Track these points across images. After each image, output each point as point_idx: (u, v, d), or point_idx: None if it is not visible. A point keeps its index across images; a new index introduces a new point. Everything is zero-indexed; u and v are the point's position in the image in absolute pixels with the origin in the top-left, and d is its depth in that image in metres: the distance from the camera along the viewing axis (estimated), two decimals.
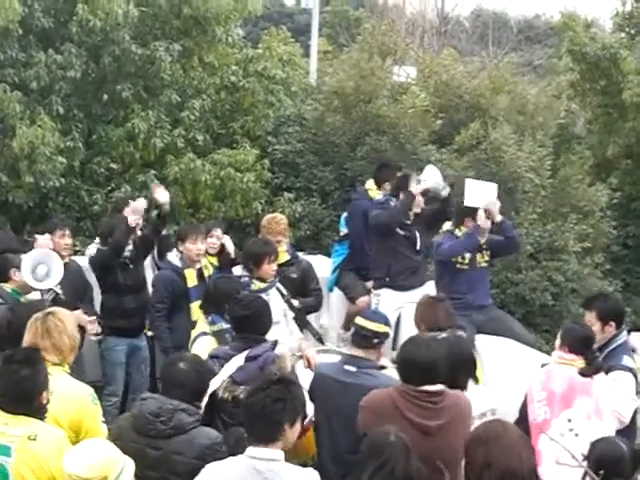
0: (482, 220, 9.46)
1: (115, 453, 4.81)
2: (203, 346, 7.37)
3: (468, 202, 9.63)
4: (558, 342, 6.73)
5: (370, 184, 10.77)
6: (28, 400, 5.19)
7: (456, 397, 5.78)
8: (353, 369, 6.41)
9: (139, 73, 16.06)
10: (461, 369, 6.17)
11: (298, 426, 5.05)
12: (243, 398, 5.14)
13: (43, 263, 8.33)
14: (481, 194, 9.67)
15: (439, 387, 5.69)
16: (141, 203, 9.53)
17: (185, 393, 5.51)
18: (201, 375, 5.66)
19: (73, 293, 9.01)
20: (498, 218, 9.68)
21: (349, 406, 6.16)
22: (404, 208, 9.84)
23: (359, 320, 6.61)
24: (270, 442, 4.86)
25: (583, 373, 6.44)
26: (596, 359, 6.62)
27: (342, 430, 6.21)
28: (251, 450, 4.86)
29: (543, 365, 6.78)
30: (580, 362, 6.51)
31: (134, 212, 9.34)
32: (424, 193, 9.95)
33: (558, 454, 5.90)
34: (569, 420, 6.27)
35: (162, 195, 9.49)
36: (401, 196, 9.95)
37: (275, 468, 4.81)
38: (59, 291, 8.42)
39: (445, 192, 9.98)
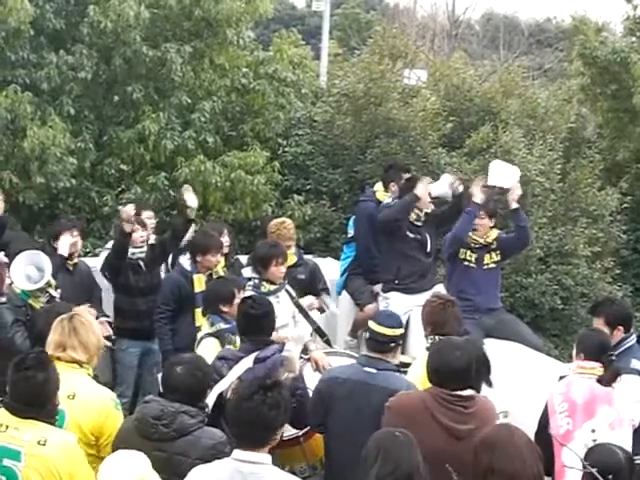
0: (478, 197, 9.49)
1: (151, 470, 4.75)
2: (207, 348, 7.38)
3: (492, 182, 9.67)
4: (574, 352, 6.70)
5: (378, 186, 10.73)
6: (42, 404, 5.18)
7: (484, 402, 5.78)
8: (373, 371, 6.40)
9: (150, 75, 16.10)
10: (478, 372, 6.16)
11: (282, 429, 5.01)
12: (233, 401, 5.02)
13: (31, 264, 8.35)
14: (504, 176, 9.74)
15: (469, 392, 5.69)
16: (128, 208, 9.54)
17: (181, 396, 5.50)
18: (197, 378, 5.61)
19: (81, 293, 9.04)
20: (514, 205, 9.69)
21: (371, 407, 6.16)
22: (405, 206, 9.78)
23: (373, 326, 6.58)
24: (259, 447, 4.81)
25: (602, 381, 6.38)
26: (613, 362, 6.57)
27: (362, 432, 6.18)
28: (237, 453, 4.81)
29: (562, 377, 6.72)
30: (600, 370, 6.44)
31: (123, 218, 9.37)
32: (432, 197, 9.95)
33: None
34: (593, 431, 6.17)
35: (191, 200, 9.55)
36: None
37: (259, 471, 4.75)
38: (55, 294, 8.40)
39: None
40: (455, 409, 5.59)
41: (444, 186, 10.08)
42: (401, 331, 6.68)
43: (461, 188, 10.08)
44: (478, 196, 9.55)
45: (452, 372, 5.66)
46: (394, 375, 6.45)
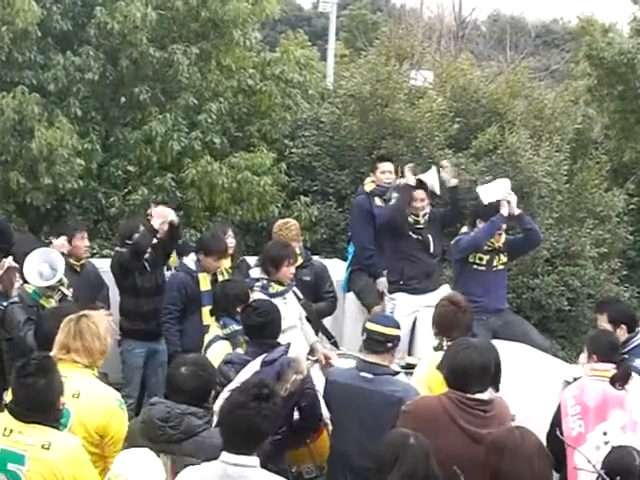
0: (505, 208, 9.53)
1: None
2: (218, 350, 7.39)
3: (486, 200, 9.70)
4: (585, 354, 6.70)
5: (368, 179, 10.87)
6: (44, 410, 5.18)
7: (500, 404, 5.77)
8: (370, 376, 6.43)
9: (157, 76, 16.09)
10: (496, 374, 6.16)
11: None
12: (227, 406, 4.92)
13: (45, 262, 8.39)
14: (495, 190, 9.77)
15: (488, 395, 5.69)
16: (168, 210, 9.61)
17: (186, 397, 5.52)
18: (201, 379, 5.62)
19: (89, 293, 9.08)
20: (517, 211, 9.73)
21: (368, 413, 6.22)
22: (403, 200, 9.87)
23: (370, 325, 6.64)
24: (249, 452, 4.77)
25: (614, 381, 6.37)
26: (624, 360, 6.58)
27: (360, 436, 6.21)
28: (226, 456, 4.76)
29: (575, 379, 6.74)
30: (613, 371, 6.45)
31: (159, 216, 9.40)
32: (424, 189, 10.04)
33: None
34: (604, 433, 6.20)
35: (165, 214, 9.57)
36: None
37: (248, 474, 4.73)
38: (68, 293, 8.44)
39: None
40: (475, 413, 5.57)
41: (433, 176, 10.12)
42: (398, 332, 6.70)
43: (454, 182, 10.18)
44: (505, 208, 9.60)
45: (472, 374, 5.64)
46: (390, 379, 6.48)
